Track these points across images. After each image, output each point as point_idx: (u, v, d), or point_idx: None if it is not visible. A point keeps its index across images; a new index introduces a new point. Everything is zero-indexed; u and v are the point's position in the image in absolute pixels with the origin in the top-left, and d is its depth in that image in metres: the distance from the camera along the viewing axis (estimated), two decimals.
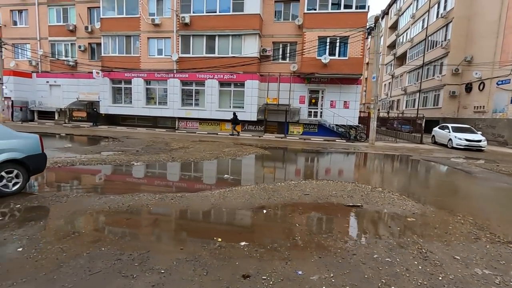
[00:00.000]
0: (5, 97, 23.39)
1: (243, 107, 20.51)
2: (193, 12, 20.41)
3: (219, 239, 3.51)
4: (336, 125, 19.55)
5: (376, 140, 17.30)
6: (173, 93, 21.32)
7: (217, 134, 19.23)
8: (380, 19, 17.46)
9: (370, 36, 36.48)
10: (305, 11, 19.05)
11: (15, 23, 25.39)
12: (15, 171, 4.82)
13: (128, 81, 22.10)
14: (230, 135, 19.14)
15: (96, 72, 21.72)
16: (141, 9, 21.07)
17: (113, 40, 21.93)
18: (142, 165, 8.06)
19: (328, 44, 18.60)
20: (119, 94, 22.73)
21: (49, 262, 2.84)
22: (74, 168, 7.43)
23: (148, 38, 21.38)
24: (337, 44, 18.71)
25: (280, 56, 20.95)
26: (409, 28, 34.06)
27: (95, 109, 22.58)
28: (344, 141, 18.03)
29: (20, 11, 25.11)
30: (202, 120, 21.59)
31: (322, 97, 20.50)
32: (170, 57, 21.16)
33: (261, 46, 20.31)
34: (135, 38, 21.66)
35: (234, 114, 19.60)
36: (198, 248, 3.26)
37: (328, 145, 15.59)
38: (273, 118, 20.62)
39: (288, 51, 20.86)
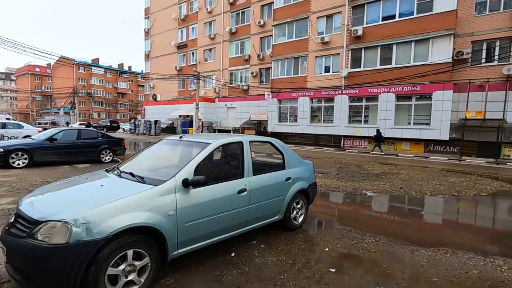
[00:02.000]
0: (198, 119, 29.17)
1: (428, 124, 17.06)
2: (366, 23, 19.03)
3: None
4: None
5: None
6: (340, 110, 20.36)
7: (397, 155, 16.60)
8: None
9: None
10: None
11: (205, 59, 31.70)
12: (301, 202, 4.42)
13: (294, 101, 22.88)
14: (371, 152, 17.57)
15: (267, 94, 23.66)
16: (311, 29, 21.55)
17: (282, 63, 23.41)
18: (379, 197, 6.86)
19: None
20: (284, 113, 23.90)
21: None
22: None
23: (316, 57, 21.51)
24: None
25: (484, 58, 16.33)
26: None
27: (264, 128, 24.57)
28: None
29: (210, 50, 31.18)
30: (371, 139, 19.45)
31: None
32: (338, 73, 20.46)
33: (454, 48, 16.45)
34: (302, 59, 22.31)
35: (378, 131, 17.69)
36: None
37: None
38: (471, 137, 16.08)
39: (496, 51, 16.02)
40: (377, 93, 18.72)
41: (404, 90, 17.70)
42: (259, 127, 26.36)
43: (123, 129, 40.77)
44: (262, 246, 3.70)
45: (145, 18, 39.13)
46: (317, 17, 21.32)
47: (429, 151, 17.36)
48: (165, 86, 35.17)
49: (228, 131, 28.79)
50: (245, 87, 27.49)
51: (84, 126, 38.09)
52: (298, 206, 4.39)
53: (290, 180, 4.12)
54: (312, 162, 4.88)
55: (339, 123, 20.47)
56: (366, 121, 19.68)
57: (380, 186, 7.75)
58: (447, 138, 16.41)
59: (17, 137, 16.04)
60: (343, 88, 20.20)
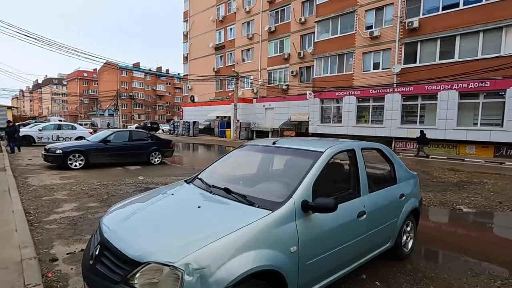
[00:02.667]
0: (236, 120, 28.94)
1: (500, 124, 14.97)
2: (423, 14, 17.27)
3: None
4: None
5: None
6: (391, 109, 18.75)
7: (463, 161, 14.74)
8: None
9: None
10: None
11: (243, 60, 31.41)
12: (410, 224, 3.54)
13: (339, 100, 21.60)
14: (415, 156, 16.19)
15: (309, 94, 22.64)
16: (358, 24, 20.16)
17: (325, 61, 22.23)
18: (480, 213, 5.68)
19: None
20: (327, 113, 22.69)
21: None
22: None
23: (363, 53, 20.07)
24: None
25: None
26: None
27: (306, 129, 23.57)
28: None
29: (247, 50, 30.83)
30: (430, 141, 17.62)
31: None
32: (388, 70, 18.86)
33: None
34: (348, 56, 20.97)
35: (423, 132, 16.09)
36: None
37: None
38: None
39: None
40: (436, 90, 16.88)
41: (469, 86, 15.73)
42: (299, 128, 25.39)
43: (162, 130, 42.02)
44: (377, 283, 2.89)
45: (184, 22, 39.98)
46: (365, 10, 19.87)
47: (500, 155, 15.21)
48: (202, 87, 35.54)
49: (266, 132, 28.16)
50: (284, 87, 26.68)
51: (141, 127, 39.78)
52: (408, 229, 3.52)
53: (403, 198, 3.27)
54: (416, 173, 3.97)
55: (390, 124, 18.86)
56: (421, 122, 17.88)
57: (471, 199, 6.52)
58: None
59: (70, 138, 16.78)
60: (395, 86, 18.56)
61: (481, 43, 15.41)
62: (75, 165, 9.08)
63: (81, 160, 9.18)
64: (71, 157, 8.99)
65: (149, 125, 40.05)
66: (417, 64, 17.66)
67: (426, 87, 17.21)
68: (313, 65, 23.96)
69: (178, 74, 77.80)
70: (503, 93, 14.84)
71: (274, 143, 3.04)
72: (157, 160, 11.08)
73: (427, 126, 17.44)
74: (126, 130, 11.07)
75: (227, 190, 2.40)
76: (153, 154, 10.94)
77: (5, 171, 8.08)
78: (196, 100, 37.62)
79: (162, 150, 11.23)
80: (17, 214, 4.27)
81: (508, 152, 15.09)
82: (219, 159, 3.39)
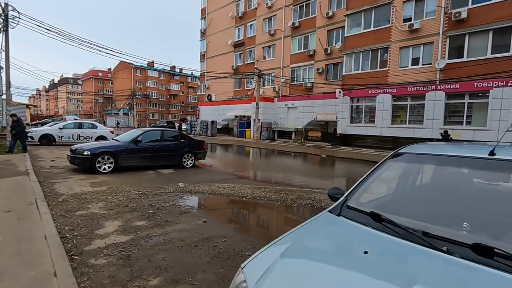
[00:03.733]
0: (258, 120, 27.78)
1: None
2: (473, 4, 15.68)
3: None
4: None
5: None
6: (432, 109, 17.20)
7: None
8: None
9: None
10: None
11: (264, 57, 30.20)
12: None
13: (371, 99, 20.14)
14: None
15: (338, 92, 21.25)
16: (394, 16, 18.67)
17: (356, 57, 20.81)
18: None
19: None
20: (357, 113, 21.25)
21: None
22: None
23: (400, 47, 18.57)
24: None
25: None
26: None
27: (334, 129, 22.18)
28: None
29: (269, 47, 29.61)
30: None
31: None
32: (430, 65, 17.33)
33: None
34: (382, 51, 19.49)
35: (446, 132, 15.21)
36: None
37: None
38: None
39: None
40: (488, 87, 15.27)
41: None
42: (326, 128, 24.02)
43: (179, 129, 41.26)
44: None
45: (201, 19, 39.08)
46: (403, 1, 18.37)
47: None
48: (220, 86, 34.53)
49: (288, 133, 26.91)
50: (309, 85, 25.34)
51: (168, 126, 39.24)
52: None
53: None
54: None
55: (431, 124, 17.31)
56: (468, 122, 16.29)
57: None
58: None
59: (91, 138, 15.96)
60: (437, 83, 17.01)
61: None
62: (104, 169, 8.08)
63: (110, 162, 8.17)
64: (99, 159, 7.99)
65: (165, 124, 39.30)
66: (464, 59, 16.08)
67: (476, 84, 15.61)
68: (342, 62, 22.59)
69: (192, 73, 77.31)
70: None
71: (491, 153, 1.81)
72: (190, 163, 10.01)
73: (475, 127, 15.87)
74: (157, 129, 10.02)
75: (486, 250, 1.19)
76: (185, 156, 9.87)
77: (28, 175, 7.12)
78: (213, 99, 36.64)
79: (195, 152, 10.15)
80: (51, 242, 3.18)
81: None
82: (367, 176, 2.17)
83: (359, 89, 20.52)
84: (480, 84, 15.51)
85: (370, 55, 20.09)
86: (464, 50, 16.18)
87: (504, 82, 14.71)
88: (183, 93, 76.10)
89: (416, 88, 17.82)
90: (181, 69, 76.42)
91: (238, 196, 6.15)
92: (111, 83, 77.34)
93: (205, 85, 38.08)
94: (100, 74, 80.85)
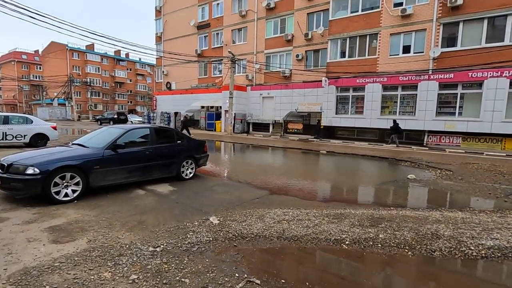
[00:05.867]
0: (226, 110, 24.96)
1: None
2: None
3: None
4: None
5: None
6: (425, 99, 16.59)
7: (482, 154, 13.00)
8: None
9: None
10: None
11: (234, 41, 27.21)
12: None
13: (359, 88, 18.96)
14: (396, 146, 16.38)
15: (324, 80, 19.63)
16: (385, 0, 17.50)
17: (342, 43, 19.34)
18: None
19: None
20: (344, 103, 19.95)
21: None
22: None
23: (391, 34, 17.54)
24: None
25: None
26: None
27: (318, 121, 20.61)
28: None
29: (239, 29, 26.69)
30: (468, 135, 15.90)
31: None
32: (421, 54, 16.63)
33: None
34: (371, 37, 18.30)
35: (395, 122, 16.56)
36: None
37: None
38: None
39: None
40: (482, 78, 14.99)
41: None
42: (308, 120, 22.40)
43: (132, 122, 36.07)
44: None
45: None
46: None
47: None
48: (181, 72, 30.59)
49: (265, 125, 24.74)
50: (287, 73, 23.33)
51: (119, 118, 33.36)
52: None
53: None
54: None
55: (423, 116, 16.71)
56: (460, 113, 16.00)
57: None
58: None
59: (24, 136, 11.72)
60: (430, 73, 16.38)
61: None
62: (66, 194, 4.87)
63: (77, 183, 4.98)
64: (57, 179, 4.75)
65: (116, 116, 33.84)
66: (458, 48, 15.60)
67: (470, 74, 15.24)
68: (324, 48, 21.06)
69: (140, 59, 69.84)
70: None
71: None
72: (190, 173, 7.17)
73: (468, 118, 15.62)
74: (144, 126, 6.85)
75: None
76: (184, 163, 6.99)
77: None
78: (173, 87, 32.49)
79: (196, 157, 7.31)
80: None
81: None
82: None
83: (346, 77, 19.16)
84: (474, 74, 15.17)
85: (358, 41, 18.77)
86: (457, 39, 15.68)
87: (499, 72, 14.51)
88: (131, 81, 68.27)
89: (408, 78, 17.03)
90: (127, 54, 68.27)
91: (329, 241, 3.72)
92: (40, 68, 65.63)
93: (163, 72, 33.56)
94: (24, 56, 67.95)
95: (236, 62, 23.96)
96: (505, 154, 13.60)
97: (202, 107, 29.25)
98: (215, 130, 26.44)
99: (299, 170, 9.79)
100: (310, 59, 22.78)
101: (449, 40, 15.98)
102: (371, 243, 3.64)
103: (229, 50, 22.51)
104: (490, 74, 14.75)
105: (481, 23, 14.97)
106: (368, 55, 18.49)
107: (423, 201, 6.34)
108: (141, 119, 35.04)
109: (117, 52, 65.57)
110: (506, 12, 14.22)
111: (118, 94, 65.62)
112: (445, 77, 16.00)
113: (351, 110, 19.62)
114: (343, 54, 19.41)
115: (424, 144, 17.04)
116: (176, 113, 28.15)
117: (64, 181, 4.84)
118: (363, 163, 11.36)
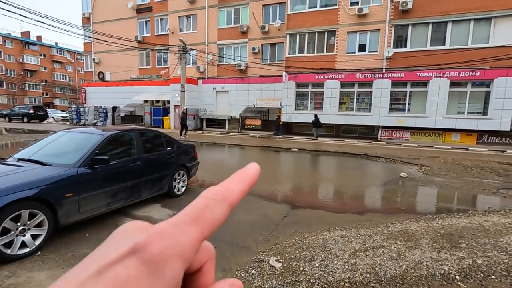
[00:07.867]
0: (175, 105, 22.71)
1: (482, 113, 15.70)
2: None
3: None
4: None
5: None
6: (379, 96, 17.57)
7: (467, 149, 14.69)
8: None
9: None
10: None
11: (181, 29, 24.79)
12: None
13: (318, 84, 19.11)
14: (313, 139, 17.74)
15: (285, 75, 19.21)
16: None
17: (301, 39, 19.18)
18: None
19: None
20: (303, 99, 19.92)
21: None
22: None
23: (348, 32, 18.02)
24: None
25: None
26: None
27: (277, 117, 20.15)
28: None
29: (188, 17, 24.39)
30: (415, 130, 17.42)
31: None
32: (375, 53, 17.51)
33: None
34: (330, 34, 18.53)
35: (316, 116, 17.92)
36: None
37: None
38: None
39: None
40: (428, 78, 16.49)
41: (460, 75, 15.86)
42: (267, 115, 21.81)
43: (54, 119, 30.26)
44: None
45: None
46: None
47: (482, 142, 16.12)
48: (117, 61, 26.75)
49: (221, 121, 23.30)
50: (242, 66, 22.25)
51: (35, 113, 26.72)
52: None
53: None
54: None
55: (378, 112, 17.70)
56: (409, 110, 17.41)
57: None
58: (509, 129, 15.30)
59: None
60: (384, 71, 17.37)
61: (471, 32, 15.54)
62: (24, 244, 3.03)
63: (39, 224, 3.16)
64: (8, 223, 2.89)
65: (31, 111, 27.79)
66: (408, 49, 16.84)
67: (418, 73, 16.62)
68: (281, 42, 20.70)
69: (56, 44, 59.63)
70: (489, 83, 15.48)
71: None
72: (183, 187, 5.66)
73: (416, 114, 17.08)
74: (126, 129, 4.94)
75: None
76: (176, 175, 5.46)
77: None
78: (107, 78, 28.25)
79: (188, 166, 5.82)
80: None
81: (489, 139, 16.10)
82: None
83: (306, 73, 19.09)
84: (421, 74, 16.59)
85: (317, 37, 18.84)
86: (407, 40, 16.91)
87: (441, 73, 16.13)
88: (45, 69, 57.74)
89: (365, 75, 17.78)
90: (38, 37, 57.44)
91: (436, 277, 2.95)
92: None
93: (94, 59, 28.83)
94: None
95: (188, 52, 21.78)
96: (450, 147, 15.23)
97: (146, 101, 26.10)
98: (163, 127, 23.80)
99: (288, 172, 8.99)
100: (266, 53, 22.13)
101: (401, 41, 17.14)
102: (482, 275, 3.00)
103: (180, 38, 20.25)
104: (434, 74, 16.31)
105: (427, 27, 16.40)
106: (326, 52, 18.70)
107: (453, 204, 6.03)
108: (67, 115, 29.55)
109: (25, 33, 54.51)
110: (447, 19, 15.81)
111: (29, 84, 54.84)
112: (397, 76, 17.14)
113: (310, 106, 19.71)
114: (301, 50, 19.26)
115: (378, 139, 18.12)
116: (114, 108, 24.42)
117: (18, 224, 2.99)
118: (344, 161, 11.18)
